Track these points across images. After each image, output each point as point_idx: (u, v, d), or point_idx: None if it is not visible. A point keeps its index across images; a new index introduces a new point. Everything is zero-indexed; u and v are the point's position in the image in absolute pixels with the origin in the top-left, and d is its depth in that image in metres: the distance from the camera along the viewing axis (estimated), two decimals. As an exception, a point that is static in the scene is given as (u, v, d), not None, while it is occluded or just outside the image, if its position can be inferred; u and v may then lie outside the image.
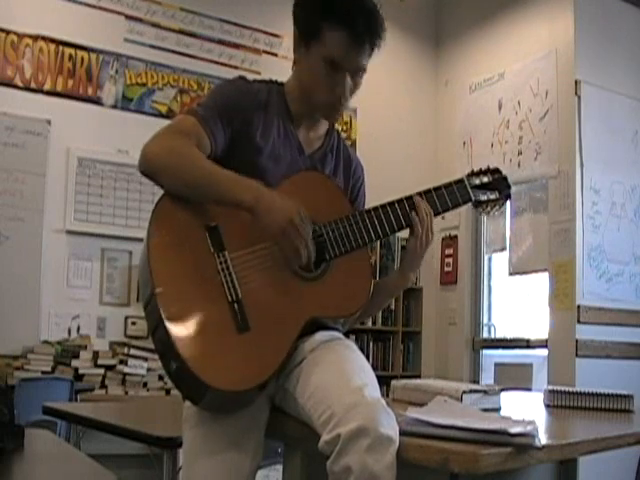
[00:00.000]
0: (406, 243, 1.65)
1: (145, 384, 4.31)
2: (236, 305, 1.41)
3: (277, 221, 1.42)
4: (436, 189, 1.65)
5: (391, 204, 1.61)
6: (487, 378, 5.35)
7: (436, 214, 1.64)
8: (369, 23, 1.53)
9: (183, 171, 1.45)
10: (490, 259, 5.59)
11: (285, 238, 1.43)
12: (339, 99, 1.58)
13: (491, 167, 1.77)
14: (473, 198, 1.69)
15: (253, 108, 1.58)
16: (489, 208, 1.74)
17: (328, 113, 1.64)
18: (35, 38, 4.46)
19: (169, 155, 1.46)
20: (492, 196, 1.73)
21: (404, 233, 1.64)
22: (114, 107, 4.70)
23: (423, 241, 1.61)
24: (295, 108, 1.65)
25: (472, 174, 1.73)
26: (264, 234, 1.45)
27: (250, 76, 1.67)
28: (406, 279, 1.69)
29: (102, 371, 4.23)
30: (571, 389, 1.89)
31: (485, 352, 5.47)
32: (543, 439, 1.21)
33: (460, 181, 1.69)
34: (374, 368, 1.49)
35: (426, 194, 1.64)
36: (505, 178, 1.76)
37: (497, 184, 1.74)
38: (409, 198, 1.62)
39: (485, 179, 1.73)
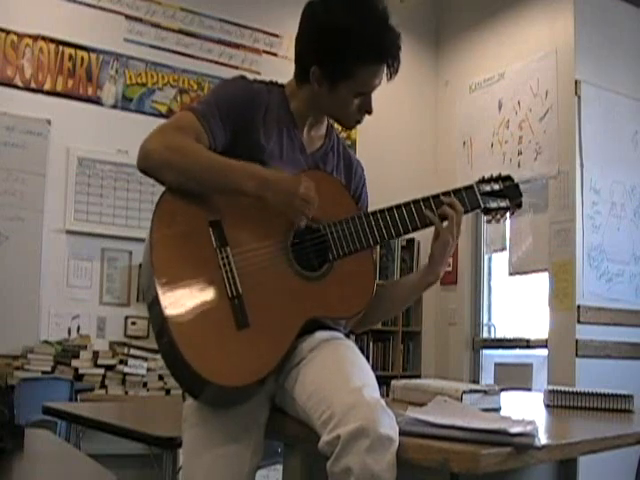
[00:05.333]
0: (434, 239, 1.61)
1: (145, 384, 4.31)
2: (236, 301, 1.41)
3: (285, 202, 1.46)
4: (444, 194, 1.63)
5: (397, 207, 1.59)
6: (487, 378, 5.34)
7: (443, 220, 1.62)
8: (396, 53, 1.58)
9: (185, 164, 1.46)
10: (490, 259, 5.59)
11: (297, 213, 1.48)
12: (364, 115, 1.65)
13: (502, 174, 1.75)
14: (482, 205, 1.67)
15: (254, 107, 1.58)
16: (499, 216, 1.73)
17: (353, 127, 1.70)
18: (35, 38, 4.46)
19: (169, 150, 1.46)
20: (502, 204, 1.71)
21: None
22: (114, 107, 4.70)
23: (454, 235, 1.59)
24: (297, 110, 1.65)
25: (482, 181, 1.71)
26: (274, 219, 1.49)
27: (250, 76, 1.67)
28: (436, 275, 1.64)
29: (102, 371, 4.23)
30: (571, 389, 1.89)
31: (485, 352, 5.47)
32: (543, 439, 1.21)
33: (469, 187, 1.67)
34: (374, 368, 1.49)
35: (434, 199, 1.62)
36: (517, 186, 1.74)
37: (508, 192, 1.72)
38: (416, 202, 1.60)
39: (496, 186, 1.71)
